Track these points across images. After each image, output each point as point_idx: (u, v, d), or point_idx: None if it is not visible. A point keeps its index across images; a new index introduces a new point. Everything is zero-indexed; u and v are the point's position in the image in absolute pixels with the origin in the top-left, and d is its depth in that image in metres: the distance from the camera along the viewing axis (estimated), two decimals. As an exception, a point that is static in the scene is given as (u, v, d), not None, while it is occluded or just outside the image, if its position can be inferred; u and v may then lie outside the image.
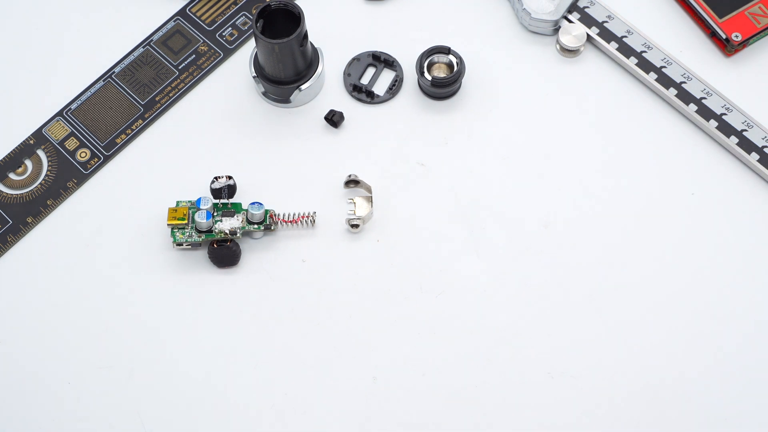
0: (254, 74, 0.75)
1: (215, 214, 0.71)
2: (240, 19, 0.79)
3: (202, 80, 0.77)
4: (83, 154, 0.75)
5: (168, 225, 0.70)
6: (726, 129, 0.73)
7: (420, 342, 0.69)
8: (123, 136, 0.76)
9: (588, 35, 0.77)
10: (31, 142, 0.76)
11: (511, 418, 0.67)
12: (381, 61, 0.77)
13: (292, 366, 0.68)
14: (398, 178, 0.74)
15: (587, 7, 0.77)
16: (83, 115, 0.76)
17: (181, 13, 0.80)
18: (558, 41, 0.77)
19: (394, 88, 0.76)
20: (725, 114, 0.74)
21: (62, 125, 0.76)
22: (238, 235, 0.70)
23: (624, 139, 0.74)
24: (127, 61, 0.78)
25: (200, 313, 0.70)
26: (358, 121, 0.76)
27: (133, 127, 0.76)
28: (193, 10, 0.80)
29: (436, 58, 0.75)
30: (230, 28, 0.79)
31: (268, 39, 0.71)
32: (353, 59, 0.77)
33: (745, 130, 0.73)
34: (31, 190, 0.74)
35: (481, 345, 0.68)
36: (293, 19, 0.73)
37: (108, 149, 0.75)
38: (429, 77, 0.74)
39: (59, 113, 0.76)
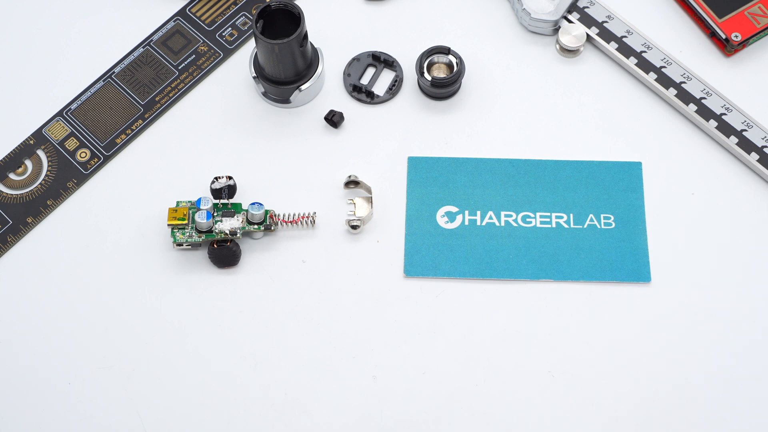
0: (254, 74, 0.75)
1: (215, 214, 0.71)
2: (240, 19, 0.79)
3: (202, 80, 0.77)
4: (83, 154, 0.75)
5: (168, 225, 0.70)
6: (726, 129, 0.73)
7: (420, 341, 0.69)
8: (123, 136, 0.76)
9: (588, 35, 0.77)
10: (31, 142, 0.76)
11: (511, 417, 0.67)
12: (381, 61, 0.77)
13: (292, 366, 0.68)
14: (398, 179, 0.74)
15: (587, 7, 0.77)
16: (83, 115, 0.76)
17: (181, 13, 0.80)
18: (558, 41, 0.77)
19: (394, 88, 0.76)
20: (725, 114, 0.74)
21: (62, 125, 0.76)
22: (238, 235, 0.70)
23: (624, 140, 0.74)
24: (127, 61, 0.78)
25: (200, 313, 0.70)
26: (358, 121, 0.76)
27: (133, 127, 0.76)
28: (193, 10, 0.80)
29: (435, 58, 0.75)
30: (230, 28, 0.79)
31: (268, 39, 0.71)
32: (353, 59, 0.77)
33: (745, 130, 0.73)
34: (31, 190, 0.74)
35: (481, 344, 0.68)
36: (293, 19, 0.73)
37: (108, 149, 0.75)
38: (429, 77, 0.74)
39: (59, 113, 0.76)
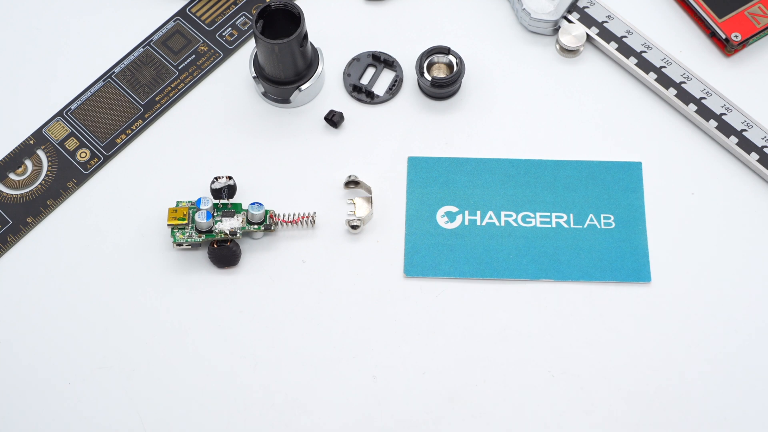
0: (254, 74, 0.75)
1: (215, 214, 0.71)
2: (240, 19, 0.79)
3: (202, 80, 0.77)
4: (83, 154, 0.75)
5: (168, 225, 0.70)
6: (726, 129, 0.73)
7: (420, 341, 0.69)
8: (123, 136, 0.76)
9: (588, 35, 0.77)
10: (31, 142, 0.76)
11: (511, 417, 0.67)
12: (381, 61, 0.77)
13: (292, 366, 0.68)
14: (398, 179, 0.74)
15: (587, 7, 0.77)
16: (83, 115, 0.76)
17: (181, 13, 0.80)
18: (558, 41, 0.77)
19: (394, 88, 0.76)
20: (725, 114, 0.74)
21: (62, 125, 0.76)
22: (238, 235, 0.70)
23: (624, 140, 0.74)
24: (127, 61, 0.78)
25: (200, 313, 0.70)
26: (358, 121, 0.76)
27: (133, 127, 0.76)
28: (193, 10, 0.80)
29: (435, 58, 0.75)
30: (230, 28, 0.79)
31: (268, 39, 0.71)
32: (353, 59, 0.77)
33: (745, 130, 0.73)
34: (31, 190, 0.74)
35: (481, 344, 0.68)
36: (293, 19, 0.73)
37: (108, 149, 0.75)
38: (429, 77, 0.74)
39: (59, 113, 0.76)
